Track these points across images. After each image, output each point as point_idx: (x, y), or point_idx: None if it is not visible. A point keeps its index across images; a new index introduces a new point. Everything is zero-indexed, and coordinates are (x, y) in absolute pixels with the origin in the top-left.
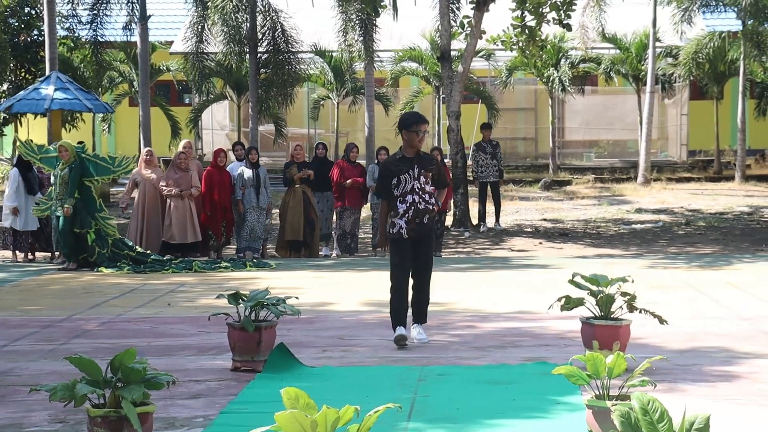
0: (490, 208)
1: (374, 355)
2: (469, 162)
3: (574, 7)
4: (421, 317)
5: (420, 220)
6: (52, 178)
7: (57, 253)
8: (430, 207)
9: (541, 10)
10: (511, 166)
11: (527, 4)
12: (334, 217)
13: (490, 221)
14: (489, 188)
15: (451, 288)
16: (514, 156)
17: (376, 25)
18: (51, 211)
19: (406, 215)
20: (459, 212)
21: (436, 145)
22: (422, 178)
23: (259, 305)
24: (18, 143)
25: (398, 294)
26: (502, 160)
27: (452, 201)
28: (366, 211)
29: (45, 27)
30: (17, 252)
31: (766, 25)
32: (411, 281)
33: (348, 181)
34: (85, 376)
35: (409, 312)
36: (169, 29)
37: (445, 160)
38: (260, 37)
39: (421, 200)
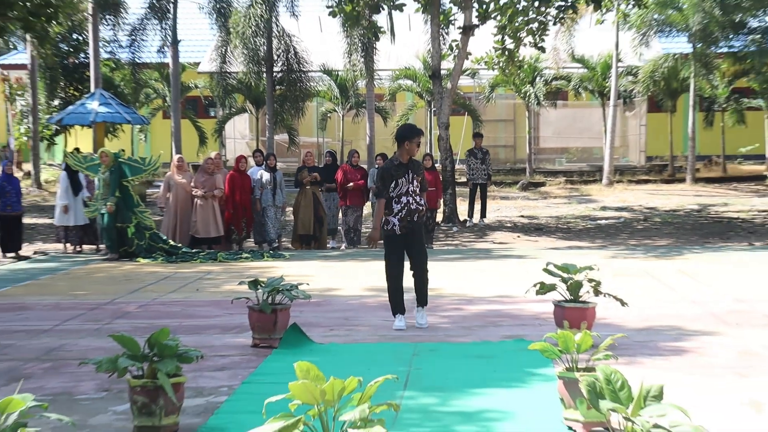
0: (476, 206)
1: (375, 333)
2: (458, 166)
3: (547, 32)
4: (422, 300)
5: (411, 218)
6: (96, 182)
7: (102, 246)
8: (420, 207)
9: (518, 34)
10: (493, 170)
11: (507, 30)
12: (340, 214)
13: (474, 217)
14: (479, 190)
15: (440, 276)
16: (495, 161)
17: (376, 47)
18: (98, 211)
19: (400, 214)
20: (448, 210)
21: (428, 152)
22: (414, 182)
23: (275, 290)
24: (66, 155)
25: (394, 282)
26: (490, 165)
27: (442, 200)
28: (367, 209)
29: (90, 51)
30: (68, 245)
31: (712, 48)
32: (411, 270)
33: (350, 184)
34: (126, 352)
35: (412, 295)
36: (197, 51)
37: (436, 165)
38: (275, 58)
39: (413, 201)
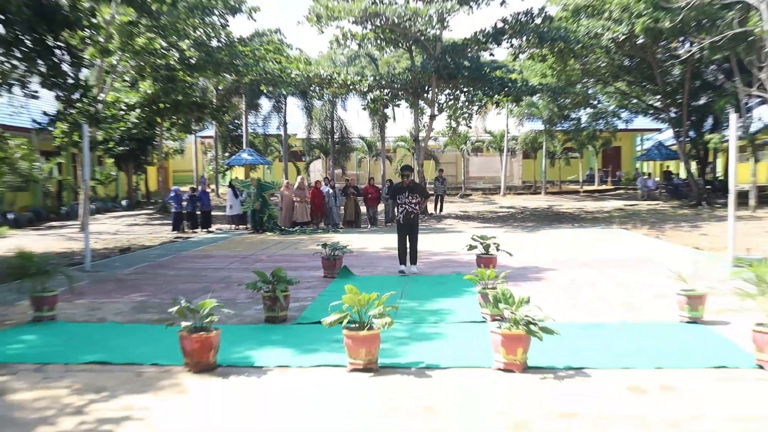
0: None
1: (385, 271)
2: (428, 185)
3: (473, 119)
4: (413, 260)
5: (408, 217)
6: (244, 194)
7: (248, 226)
8: (414, 210)
9: (458, 119)
10: (446, 187)
11: (452, 117)
12: (363, 209)
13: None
14: (440, 198)
15: (419, 241)
16: (447, 183)
17: (386, 125)
18: (249, 208)
19: (402, 213)
20: (424, 208)
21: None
22: (410, 197)
23: (334, 248)
24: (231, 179)
25: (400, 247)
26: (446, 185)
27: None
28: (380, 207)
29: (243, 128)
30: (232, 225)
31: (554, 127)
32: (408, 245)
33: (369, 195)
34: (261, 279)
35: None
36: (296, 127)
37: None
38: (335, 131)
39: (409, 206)
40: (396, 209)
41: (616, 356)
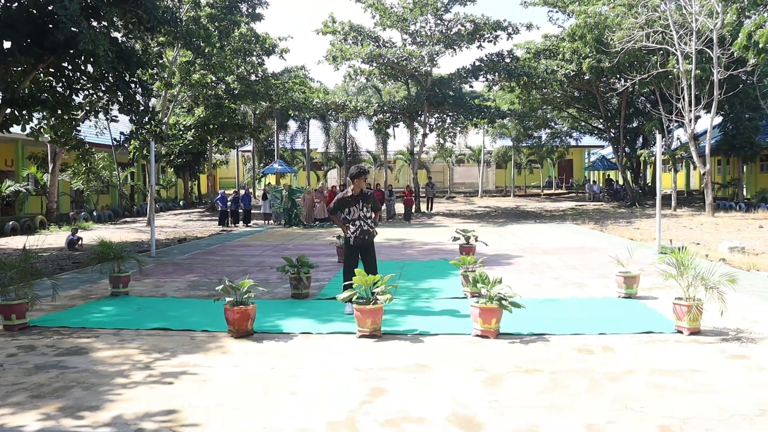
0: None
1: (387, 257)
2: (421, 190)
3: (457, 138)
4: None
5: (363, 237)
6: (269, 197)
7: (283, 221)
8: (371, 229)
9: (445, 137)
10: (436, 191)
11: (440, 135)
12: None
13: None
14: (430, 199)
15: (413, 234)
16: (436, 187)
17: (387, 141)
18: (280, 208)
19: (355, 233)
20: (416, 207)
21: (409, 184)
22: (364, 208)
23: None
24: (266, 185)
25: (348, 271)
26: (435, 189)
27: (414, 203)
28: (383, 206)
29: (275, 144)
30: (265, 221)
31: (521, 144)
32: (364, 269)
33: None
34: (288, 264)
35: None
36: (317, 144)
37: (410, 189)
38: (348, 146)
39: (365, 224)
40: (347, 227)
41: (568, 324)
